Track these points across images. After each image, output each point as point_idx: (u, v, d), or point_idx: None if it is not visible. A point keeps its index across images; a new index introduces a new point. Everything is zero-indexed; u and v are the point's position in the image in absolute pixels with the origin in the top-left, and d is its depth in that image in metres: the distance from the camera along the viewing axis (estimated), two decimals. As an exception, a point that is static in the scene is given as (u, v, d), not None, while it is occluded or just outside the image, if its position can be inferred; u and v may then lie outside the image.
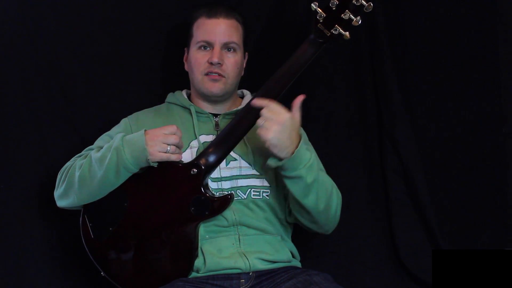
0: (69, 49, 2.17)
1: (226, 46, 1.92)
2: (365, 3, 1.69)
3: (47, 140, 2.15)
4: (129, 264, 1.83)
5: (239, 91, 2.06)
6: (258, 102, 1.78)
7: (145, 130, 1.79)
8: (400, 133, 2.26)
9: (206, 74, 1.92)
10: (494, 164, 2.27)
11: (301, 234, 2.06)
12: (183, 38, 2.01)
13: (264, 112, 1.75)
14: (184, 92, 2.04)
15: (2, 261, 2.10)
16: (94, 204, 1.83)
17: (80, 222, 1.85)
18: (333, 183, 1.90)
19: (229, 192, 1.87)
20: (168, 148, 1.77)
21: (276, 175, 1.91)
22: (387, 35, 2.24)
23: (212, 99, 1.96)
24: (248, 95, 2.05)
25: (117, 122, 2.00)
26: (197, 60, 1.93)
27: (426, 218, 2.24)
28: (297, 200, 1.82)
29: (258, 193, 1.91)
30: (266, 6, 2.27)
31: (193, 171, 1.80)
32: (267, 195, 1.92)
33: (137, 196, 1.82)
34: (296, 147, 1.76)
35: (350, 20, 1.72)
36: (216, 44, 1.91)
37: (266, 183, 1.92)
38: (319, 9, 1.74)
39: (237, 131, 1.83)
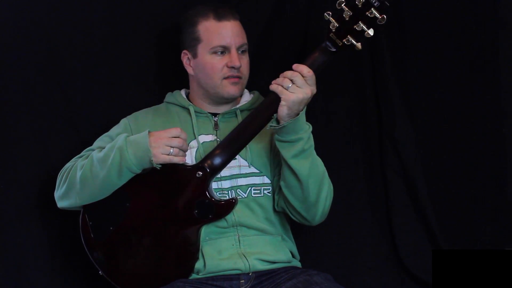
0: (69, 49, 2.16)
1: (241, 49, 1.92)
2: (378, 15, 1.68)
3: (46, 140, 2.14)
4: (129, 265, 1.83)
5: None
6: (300, 67, 1.76)
7: (149, 131, 1.79)
8: (400, 133, 2.26)
9: (226, 78, 1.92)
10: (494, 164, 2.27)
11: (301, 234, 2.06)
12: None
13: (297, 78, 1.74)
14: (183, 92, 2.04)
15: (2, 261, 2.09)
16: (95, 203, 1.83)
17: (80, 221, 1.85)
18: (325, 169, 1.89)
19: (234, 196, 1.87)
20: (171, 151, 1.76)
21: (275, 171, 1.92)
22: (387, 35, 2.23)
23: (228, 100, 1.97)
24: (246, 93, 2.05)
25: (117, 122, 2.00)
26: (214, 66, 1.91)
27: (426, 218, 2.24)
28: (291, 166, 1.80)
29: (259, 191, 1.91)
30: (266, 6, 2.27)
31: (199, 174, 1.80)
32: (268, 192, 1.92)
33: (140, 197, 1.82)
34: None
35: (363, 31, 1.72)
36: (232, 48, 1.90)
37: (266, 180, 1.92)
38: (332, 18, 1.74)
39: (245, 134, 1.82)
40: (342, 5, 1.71)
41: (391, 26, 2.25)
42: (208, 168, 1.80)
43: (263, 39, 2.25)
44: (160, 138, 1.77)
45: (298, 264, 1.96)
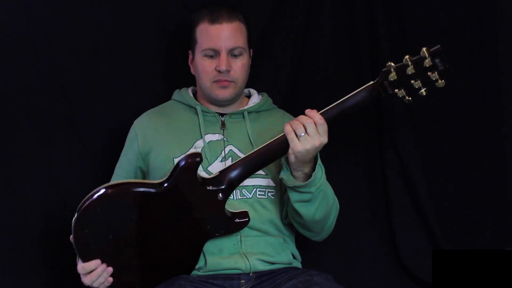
0: (70, 48, 2.16)
1: (232, 52, 1.91)
2: (439, 79, 1.68)
3: (47, 140, 2.14)
4: (125, 274, 1.79)
5: (246, 90, 2.06)
6: (312, 113, 1.74)
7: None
8: (400, 133, 2.26)
9: (215, 81, 1.92)
10: (494, 164, 2.27)
11: (301, 235, 2.05)
12: (185, 37, 2.01)
13: (309, 126, 1.72)
14: (190, 90, 2.04)
15: (2, 261, 2.09)
16: (94, 212, 1.75)
17: (73, 228, 1.76)
18: (335, 196, 1.90)
19: (247, 218, 1.83)
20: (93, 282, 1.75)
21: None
22: (387, 34, 2.23)
23: (221, 103, 1.97)
24: (255, 95, 2.06)
25: (117, 121, 2.01)
26: (204, 68, 1.92)
27: (426, 218, 2.24)
28: (295, 209, 1.83)
29: (263, 193, 1.91)
30: (266, 5, 2.27)
31: (220, 196, 1.79)
32: (272, 195, 1.92)
33: (150, 210, 1.77)
34: (312, 169, 1.77)
35: (418, 89, 1.71)
36: (222, 51, 1.89)
37: (271, 183, 1.92)
38: (393, 70, 1.71)
39: (267, 157, 1.80)
40: (409, 61, 1.69)
41: (391, 25, 2.25)
42: (228, 188, 1.79)
43: (263, 39, 2.25)
44: (80, 270, 1.76)
45: (299, 265, 1.96)
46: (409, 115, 2.26)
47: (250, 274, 1.84)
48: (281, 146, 1.77)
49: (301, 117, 1.75)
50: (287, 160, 1.78)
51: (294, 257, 1.95)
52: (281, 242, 1.92)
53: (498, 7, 2.24)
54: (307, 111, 1.76)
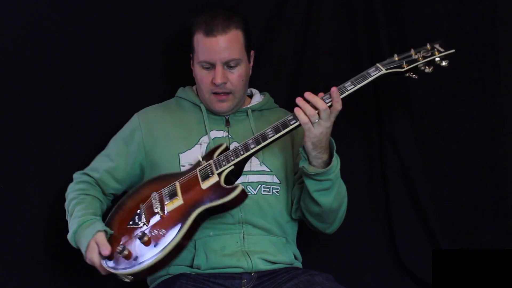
0: (69, 49, 2.16)
1: (228, 64, 1.90)
2: (444, 62, 1.79)
3: (47, 140, 2.15)
4: None
5: (248, 91, 2.05)
6: (337, 97, 1.77)
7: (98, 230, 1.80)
8: (400, 133, 2.26)
9: (213, 93, 1.92)
10: (494, 164, 2.27)
11: (302, 235, 2.06)
12: (185, 38, 2.00)
13: (324, 113, 1.75)
14: (194, 88, 2.04)
15: (2, 261, 2.10)
16: None
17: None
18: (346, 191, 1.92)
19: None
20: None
21: (286, 173, 1.93)
22: (387, 34, 2.24)
23: (221, 114, 1.97)
24: (257, 94, 2.06)
25: (117, 121, 2.01)
26: (202, 79, 1.93)
27: (426, 218, 2.25)
28: (314, 198, 1.83)
29: (268, 190, 1.92)
30: (266, 5, 2.27)
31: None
32: (277, 192, 1.93)
33: None
34: (330, 156, 1.80)
35: (423, 70, 1.80)
36: (217, 64, 1.89)
37: (276, 180, 1.93)
38: (412, 75, 1.81)
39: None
40: (424, 69, 1.80)
41: (391, 24, 2.25)
42: (238, 172, 1.83)
43: (263, 39, 2.25)
44: (89, 255, 1.79)
45: (300, 265, 1.97)
46: (409, 115, 2.27)
47: (252, 274, 1.84)
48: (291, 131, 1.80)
49: (317, 102, 1.76)
50: (304, 149, 1.80)
51: (295, 258, 1.95)
52: (283, 242, 1.92)
53: (498, 7, 2.24)
54: (334, 91, 1.77)
